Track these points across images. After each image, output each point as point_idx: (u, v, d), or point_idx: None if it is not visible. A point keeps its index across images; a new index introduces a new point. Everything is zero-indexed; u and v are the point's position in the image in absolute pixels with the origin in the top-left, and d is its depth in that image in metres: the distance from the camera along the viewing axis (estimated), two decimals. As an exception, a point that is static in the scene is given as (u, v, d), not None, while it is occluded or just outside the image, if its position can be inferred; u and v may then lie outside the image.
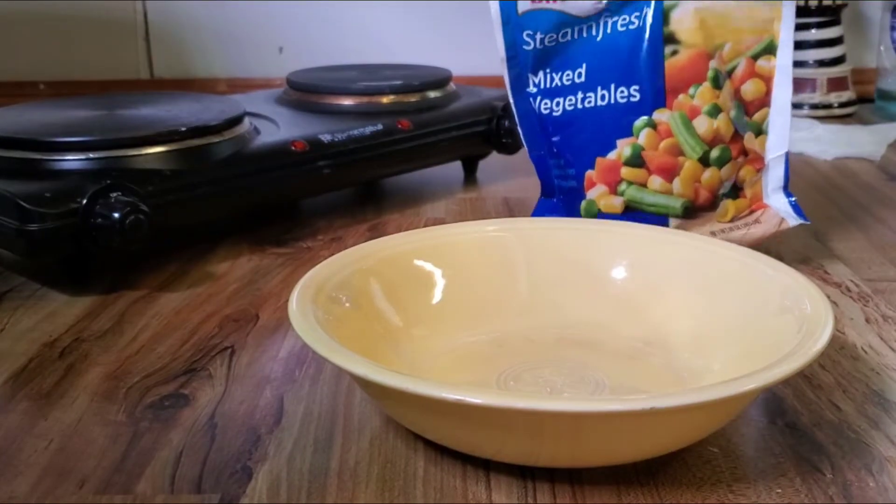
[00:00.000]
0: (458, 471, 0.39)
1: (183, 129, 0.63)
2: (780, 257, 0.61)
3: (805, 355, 0.37)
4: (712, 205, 0.61)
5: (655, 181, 0.60)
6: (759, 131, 0.62)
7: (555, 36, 0.62)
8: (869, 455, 0.40)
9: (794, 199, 0.63)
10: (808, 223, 0.63)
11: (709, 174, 0.60)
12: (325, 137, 0.70)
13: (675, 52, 0.59)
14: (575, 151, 0.62)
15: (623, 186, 0.61)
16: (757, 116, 0.62)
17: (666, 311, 0.48)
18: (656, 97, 0.59)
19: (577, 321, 0.50)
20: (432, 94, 0.81)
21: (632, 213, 0.61)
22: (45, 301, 0.58)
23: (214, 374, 0.48)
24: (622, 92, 0.60)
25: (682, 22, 0.59)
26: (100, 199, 0.56)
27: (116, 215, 0.55)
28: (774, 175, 0.63)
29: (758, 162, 0.62)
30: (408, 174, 0.81)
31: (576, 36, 0.61)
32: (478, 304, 0.50)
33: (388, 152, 0.74)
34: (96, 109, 0.69)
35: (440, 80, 0.83)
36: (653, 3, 0.59)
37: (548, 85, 0.63)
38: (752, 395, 0.38)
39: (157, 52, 1.23)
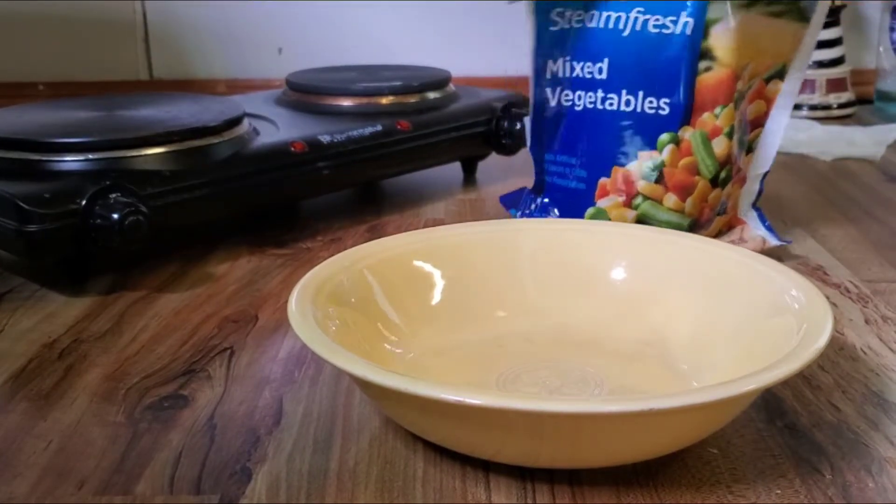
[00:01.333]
0: (457, 472, 0.39)
1: (182, 129, 0.63)
2: (779, 258, 0.61)
3: (804, 356, 0.37)
4: (708, 222, 0.61)
5: (671, 199, 0.59)
6: (750, 149, 0.62)
7: (583, 14, 0.59)
8: (868, 456, 0.40)
9: (762, 212, 0.64)
10: (788, 244, 0.64)
11: (714, 194, 0.60)
12: (325, 138, 0.70)
13: (708, 69, 0.57)
14: (591, 153, 0.61)
15: (638, 200, 0.59)
16: (752, 135, 0.62)
17: (665, 312, 0.48)
18: (685, 114, 0.58)
19: (577, 322, 0.50)
20: (432, 95, 0.81)
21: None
22: (45, 302, 0.57)
23: (214, 375, 0.48)
24: (650, 102, 0.58)
25: (721, 38, 0.57)
26: (99, 200, 0.56)
27: (116, 216, 0.55)
28: (751, 191, 0.63)
29: (743, 179, 0.62)
30: (407, 175, 0.81)
31: (601, 24, 0.59)
32: (477, 305, 0.50)
33: (388, 153, 0.74)
34: (96, 110, 0.69)
35: (439, 80, 0.83)
36: (688, 9, 0.56)
37: (567, 74, 0.61)
38: (751, 395, 0.38)
39: (157, 53, 1.23)
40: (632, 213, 0.60)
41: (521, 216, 0.65)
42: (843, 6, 1.12)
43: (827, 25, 1.11)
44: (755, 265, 0.47)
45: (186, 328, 0.54)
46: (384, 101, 0.79)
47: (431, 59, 0.98)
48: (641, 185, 0.59)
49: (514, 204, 0.67)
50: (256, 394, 0.46)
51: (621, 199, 0.60)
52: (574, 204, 0.62)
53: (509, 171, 0.86)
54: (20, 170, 0.59)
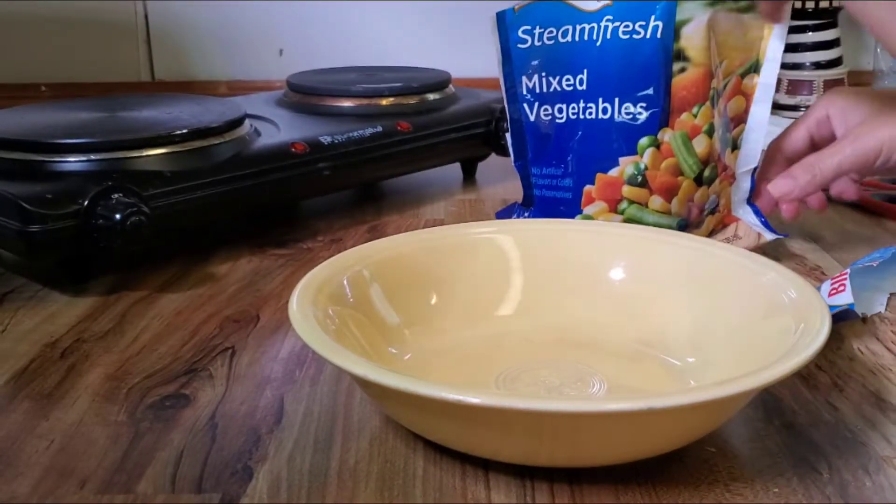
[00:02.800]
0: (457, 470, 0.39)
1: (184, 130, 0.64)
2: (776, 258, 0.61)
3: (802, 355, 0.37)
4: (699, 222, 0.61)
5: (656, 201, 0.59)
6: (735, 146, 0.62)
7: (555, 32, 0.60)
8: (866, 455, 0.40)
9: (756, 207, 0.63)
10: (785, 237, 0.64)
11: (700, 192, 0.60)
12: (325, 139, 0.70)
13: (682, 70, 0.58)
14: (575, 163, 0.61)
15: (624, 205, 0.60)
16: (735, 132, 0.62)
17: (664, 312, 0.49)
18: (662, 117, 0.58)
19: (576, 322, 0.50)
20: (431, 97, 0.81)
21: None
22: (47, 302, 0.58)
23: (215, 375, 0.48)
24: (627, 108, 0.58)
25: (693, 39, 0.57)
26: (101, 201, 0.56)
27: (118, 217, 0.56)
28: (742, 188, 0.63)
29: (732, 177, 0.62)
30: (407, 176, 0.81)
31: (577, 38, 0.59)
32: (477, 305, 0.50)
33: (388, 154, 0.74)
34: (98, 111, 0.69)
35: (439, 82, 0.83)
36: (657, 12, 0.57)
37: (545, 89, 0.61)
38: (749, 395, 0.38)
39: (158, 55, 1.23)
40: (618, 218, 0.60)
41: None
42: (841, 7, 1.12)
43: (825, 27, 1.12)
44: (753, 265, 0.47)
45: (188, 328, 0.54)
46: (384, 102, 0.79)
47: (431, 61, 0.98)
48: (626, 189, 0.59)
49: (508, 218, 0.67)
50: (257, 393, 0.46)
51: (607, 204, 0.60)
52: (562, 213, 0.62)
53: (509, 172, 0.86)
54: (22, 170, 0.59)
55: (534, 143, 0.63)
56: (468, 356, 0.48)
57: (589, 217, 0.61)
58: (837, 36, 1.13)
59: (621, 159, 0.59)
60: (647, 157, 0.59)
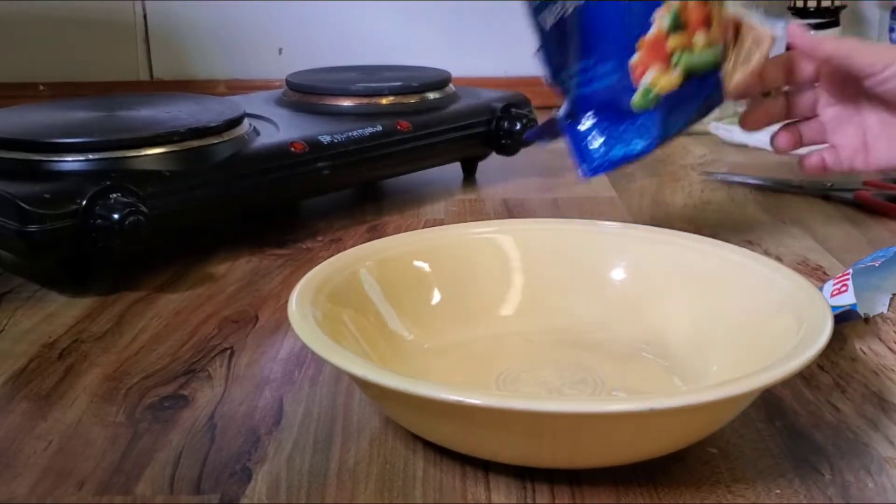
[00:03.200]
0: (457, 471, 0.39)
1: (182, 130, 0.63)
2: (778, 258, 0.61)
3: (803, 356, 0.37)
4: (727, 42, 0.59)
5: (700, 38, 0.57)
6: None
7: None
8: (867, 456, 0.40)
9: None
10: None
11: (724, 10, 0.58)
12: (325, 139, 0.70)
13: None
14: (606, 44, 0.58)
15: (675, 57, 0.57)
16: None
17: (665, 312, 0.48)
18: None
19: (577, 322, 0.50)
20: (432, 96, 0.81)
21: (689, 81, 0.57)
22: (45, 302, 0.58)
23: (214, 375, 0.48)
24: None
25: None
26: (99, 201, 0.56)
27: (116, 216, 0.55)
28: None
29: None
30: (407, 175, 0.81)
31: None
32: (477, 305, 0.50)
33: (388, 153, 0.74)
34: (96, 111, 0.69)
35: (439, 81, 0.83)
36: None
37: None
38: (750, 396, 0.38)
39: (157, 54, 1.23)
40: (676, 72, 0.57)
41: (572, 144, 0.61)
42: (843, 6, 1.12)
43: (827, 25, 1.11)
44: (754, 265, 0.47)
45: (187, 328, 0.54)
46: (384, 101, 0.79)
47: (431, 60, 0.98)
48: (671, 41, 0.57)
49: (542, 136, 0.64)
50: (256, 394, 0.46)
51: (660, 66, 0.58)
52: (616, 99, 0.59)
53: (509, 171, 0.86)
54: (21, 170, 0.59)
55: (559, 46, 0.60)
56: (468, 356, 0.48)
57: (648, 88, 0.58)
58: (840, 35, 1.13)
59: (655, 13, 0.57)
60: None
